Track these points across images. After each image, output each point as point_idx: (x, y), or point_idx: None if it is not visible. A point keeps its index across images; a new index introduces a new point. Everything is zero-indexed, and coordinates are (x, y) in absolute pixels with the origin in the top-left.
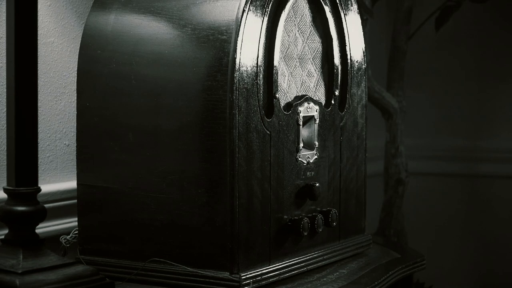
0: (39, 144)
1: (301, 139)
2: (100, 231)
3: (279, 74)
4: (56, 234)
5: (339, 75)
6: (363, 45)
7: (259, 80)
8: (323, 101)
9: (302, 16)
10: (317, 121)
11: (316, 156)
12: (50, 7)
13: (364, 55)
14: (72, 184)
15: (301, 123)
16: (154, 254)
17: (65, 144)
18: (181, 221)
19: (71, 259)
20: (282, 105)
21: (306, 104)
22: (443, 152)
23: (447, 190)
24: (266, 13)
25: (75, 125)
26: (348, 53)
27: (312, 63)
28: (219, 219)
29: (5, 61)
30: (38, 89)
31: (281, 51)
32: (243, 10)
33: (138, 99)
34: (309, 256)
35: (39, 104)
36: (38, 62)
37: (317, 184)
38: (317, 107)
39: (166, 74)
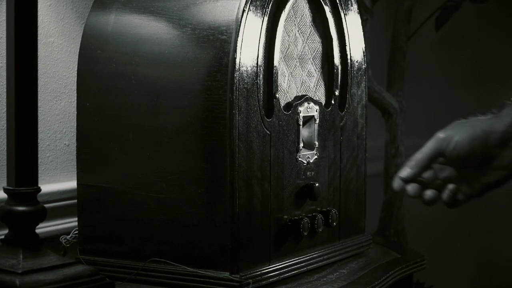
0: (39, 144)
1: (301, 139)
2: (100, 231)
3: (279, 74)
4: (56, 234)
5: (339, 75)
6: (363, 45)
7: (259, 80)
8: (323, 101)
9: (302, 16)
10: (317, 121)
11: (316, 156)
12: (50, 7)
13: (364, 55)
14: (72, 184)
15: (301, 123)
16: (154, 254)
17: (65, 144)
18: (181, 221)
19: (71, 259)
20: (282, 105)
21: (306, 104)
22: None
23: None
24: (266, 13)
25: (75, 125)
26: (348, 53)
27: (312, 63)
28: (219, 219)
29: (5, 61)
30: (38, 89)
31: (281, 51)
32: (243, 10)
33: (138, 99)
34: (309, 256)
35: (39, 104)
36: (38, 62)
37: (317, 184)
38: (317, 107)
39: (166, 74)
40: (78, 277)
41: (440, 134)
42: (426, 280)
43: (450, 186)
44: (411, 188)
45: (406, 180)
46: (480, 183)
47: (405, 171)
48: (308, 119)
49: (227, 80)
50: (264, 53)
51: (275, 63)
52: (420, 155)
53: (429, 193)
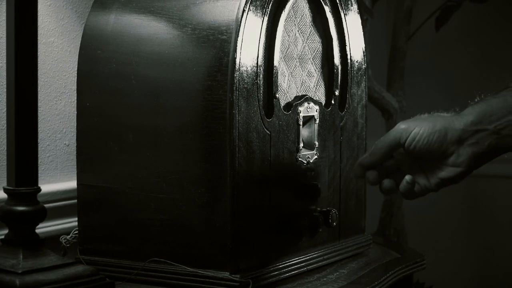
0: (39, 144)
1: (301, 139)
2: (100, 231)
3: (279, 74)
4: (56, 234)
5: (339, 75)
6: (363, 45)
7: (259, 80)
8: (323, 101)
9: (302, 16)
10: (317, 121)
11: (316, 156)
12: (50, 7)
13: (364, 55)
14: (72, 184)
15: (301, 123)
16: (154, 254)
17: (65, 144)
18: (181, 221)
19: (71, 259)
20: (282, 105)
21: (306, 104)
22: None
23: (447, 190)
24: (266, 13)
25: (75, 125)
26: (348, 53)
27: (312, 63)
28: (219, 219)
29: (5, 61)
30: (38, 89)
31: (281, 51)
32: (243, 10)
33: (138, 99)
34: (309, 256)
35: (39, 104)
36: (38, 62)
37: (317, 184)
38: (317, 107)
39: (166, 74)
40: (78, 277)
41: (401, 125)
42: (426, 280)
43: (408, 177)
44: (370, 174)
45: (366, 167)
46: (436, 178)
47: (365, 158)
48: (308, 119)
49: (227, 80)
50: (264, 53)
51: (275, 63)
52: (380, 143)
53: (386, 182)
